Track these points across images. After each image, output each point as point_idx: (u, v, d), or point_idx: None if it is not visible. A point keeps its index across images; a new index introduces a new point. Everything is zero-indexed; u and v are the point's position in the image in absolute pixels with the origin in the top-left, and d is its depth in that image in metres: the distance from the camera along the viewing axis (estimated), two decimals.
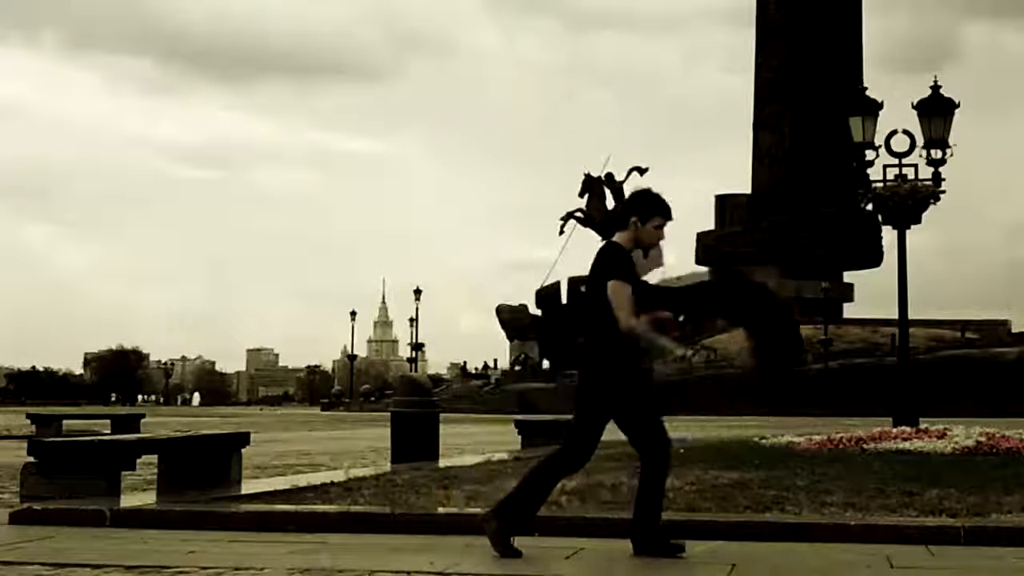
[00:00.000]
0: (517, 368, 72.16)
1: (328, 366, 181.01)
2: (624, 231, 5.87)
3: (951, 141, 16.70)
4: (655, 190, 5.97)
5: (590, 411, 5.75)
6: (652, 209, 5.87)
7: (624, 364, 5.71)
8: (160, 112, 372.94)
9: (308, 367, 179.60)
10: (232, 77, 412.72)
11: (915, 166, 16.90)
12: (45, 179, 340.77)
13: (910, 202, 16.80)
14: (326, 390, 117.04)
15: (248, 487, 8.88)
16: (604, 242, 5.95)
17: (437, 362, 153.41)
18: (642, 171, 71.58)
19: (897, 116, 17.30)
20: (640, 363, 5.80)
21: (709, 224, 76.41)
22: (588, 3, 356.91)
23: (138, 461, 8.56)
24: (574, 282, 71.85)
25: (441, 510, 7.33)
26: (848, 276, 73.75)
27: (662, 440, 5.77)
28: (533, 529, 6.12)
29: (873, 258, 65.22)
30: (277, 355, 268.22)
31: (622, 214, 5.92)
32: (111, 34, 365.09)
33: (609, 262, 5.76)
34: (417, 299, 76.76)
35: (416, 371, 79.72)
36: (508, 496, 5.92)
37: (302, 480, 9.60)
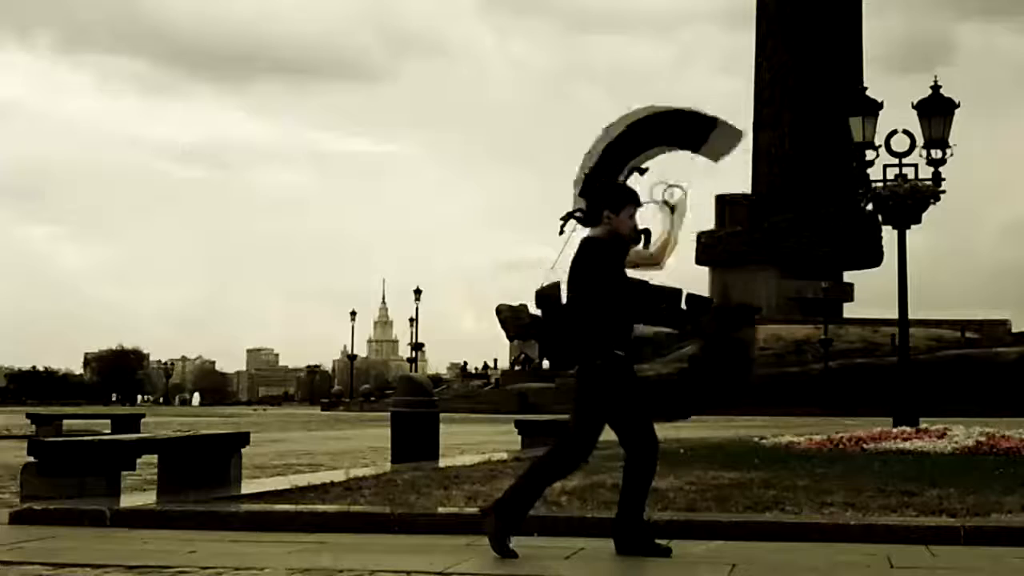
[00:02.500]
0: (517, 368, 72.16)
1: (328, 366, 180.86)
2: (597, 227, 5.82)
3: (951, 141, 16.70)
4: (619, 180, 5.96)
5: (589, 411, 5.73)
6: (623, 199, 5.84)
7: (616, 362, 5.68)
8: (157, 112, 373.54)
9: (308, 367, 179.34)
10: (228, 77, 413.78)
11: (915, 166, 16.91)
12: (43, 179, 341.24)
13: (910, 202, 16.80)
14: (326, 390, 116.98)
15: (248, 487, 8.87)
16: (582, 239, 5.86)
17: (437, 362, 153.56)
18: (642, 171, 71.49)
19: (897, 116, 17.31)
20: (631, 361, 5.77)
21: (709, 224, 76.42)
22: (583, 4, 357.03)
23: (138, 461, 8.57)
24: None
25: (441, 510, 7.32)
26: (848, 276, 73.75)
27: (650, 440, 5.75)
28: (532, 529, 6.11)
29: (873, 258, 65.27)
30: (277, 355, 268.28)
31: (592, 210, 5.86)
32: (106, 34, 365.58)
33: (591, 257, 5.72)
34: (417, 299, 76.78)
35: (416, 371, 79.70)
36: (507, 494, 5.89)
37: (302, 480, 9.59)
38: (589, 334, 5.70)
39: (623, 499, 5.78)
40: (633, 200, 5.88)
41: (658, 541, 5.80)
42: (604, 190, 5.93)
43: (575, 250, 5.81)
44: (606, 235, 5.79)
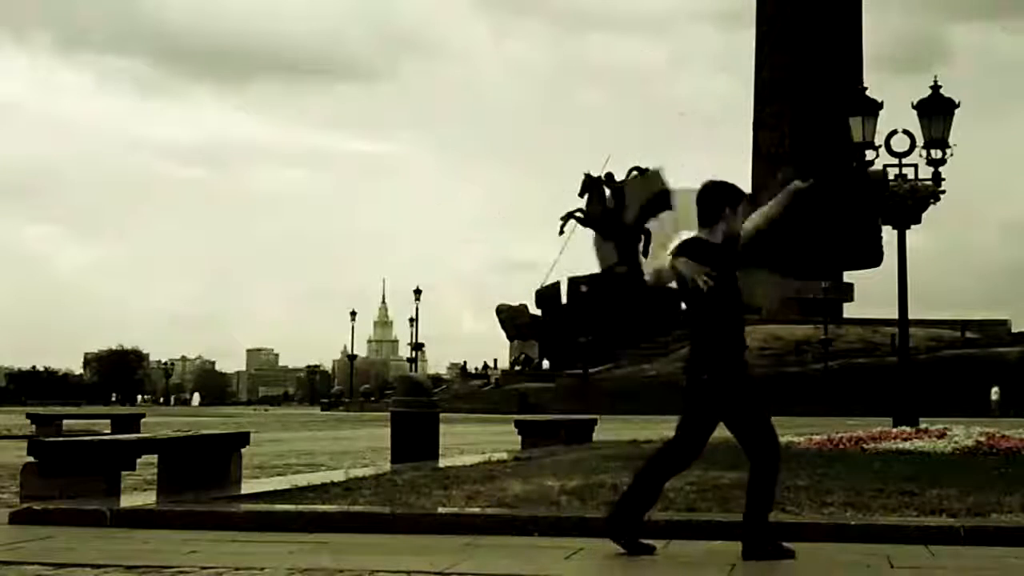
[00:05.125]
0: (517, 368, 72.15)
1: (328, 366, 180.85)
2: (715, 224, 5.83)
3: (951, 141, 16.69)
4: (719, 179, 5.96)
5: (696, 418, 5.79)
6: (740, 197, 5.91)
7: (733, 363, 5.73)
8: (156, 112, 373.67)
9: (308, 367, 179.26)
10: (225, 77, 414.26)
11: (915, 166, 16.90)
12: (44, 179, 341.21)
13: (910, 202, 16.79)
14: (326, 390, 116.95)
15: (248, 487, 8.88)
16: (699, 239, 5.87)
17: (437, 362, 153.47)
18: (642, 171, 71.54)
19: (897, 116, 17.30)
20: (745, 361, 5.81)
21: None
22: (581, 3, 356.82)
23: (138, 461, 8.57)
24: (574, 282, 71.95)
25: (441, 510, 7.32)
26: (848, 276, 73.76)
27: (771, 441, 5.79)
28: (532, 529, 6.09)
29: (873, 258, 65.24)
30: (277, 355, 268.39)
31: (710, 208, 5.85)
32: (104, 34, 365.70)
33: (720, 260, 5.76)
34: (417, 299, 76.76)
35: (416, 371, 79.63)
36: (620, 506, 5.88)
37: (302, 480, 9.60)
38: (720, 337, 5.74)
39: (748, 501, 5.81)
40: (746, 198, 5.96)
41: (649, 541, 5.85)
42: (722, 189, 5.93)
43: (693, 251, 5.77)
44: (723, 235, 5.82)
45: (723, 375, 5.72)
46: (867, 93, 17.37)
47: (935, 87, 16.72)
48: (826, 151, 61.92)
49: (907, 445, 12.82)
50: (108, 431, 20.89)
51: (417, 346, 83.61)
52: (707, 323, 5.77)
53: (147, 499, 8.19)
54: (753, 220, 5.97)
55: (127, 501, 7.87)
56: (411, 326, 78.87)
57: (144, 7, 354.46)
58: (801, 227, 69.14)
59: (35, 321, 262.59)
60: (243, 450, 9.45)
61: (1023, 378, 50.88)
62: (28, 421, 25.70)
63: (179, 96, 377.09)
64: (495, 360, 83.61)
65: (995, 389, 48.93)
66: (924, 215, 17.11)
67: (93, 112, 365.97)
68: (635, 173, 71.09)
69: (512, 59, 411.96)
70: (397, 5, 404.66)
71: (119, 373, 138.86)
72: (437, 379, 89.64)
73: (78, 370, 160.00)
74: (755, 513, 5.73)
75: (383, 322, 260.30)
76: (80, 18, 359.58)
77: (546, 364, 69.21)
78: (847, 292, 74.06)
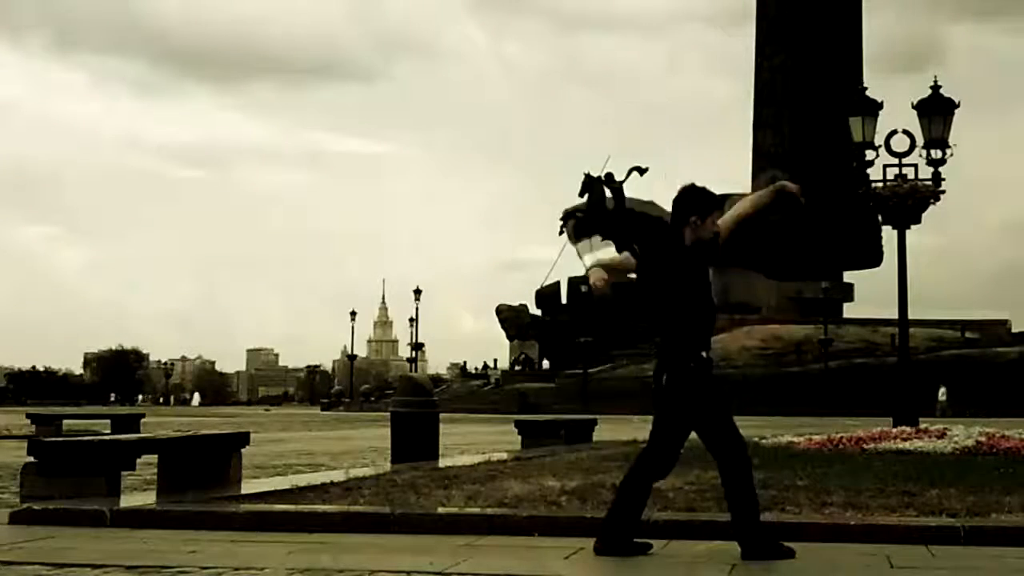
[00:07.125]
0: (517, 368, 72.19)
1: (328, 366, 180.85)
2: (683, 228, 5.85)
3: (951, 141, 16.69)
4: (698, 184, 5.97)
5: (665, 414, 5.78)
6: (711, 205, 5.89)
7: (693, 364, 5.73)
8: (155, 113, 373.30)
9: (308, 367, 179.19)
10: (222, 78, 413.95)
11: (915, 166, 16.90)
12: (42, 179, 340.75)
13: (910, 202, 16.79)
14: (326, 390, 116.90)
15: (248, 487, 8.88)
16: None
17: (437, 362, 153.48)
18: (642, 171, 71.37)
19: (897, 116, 17.30)
20: (708, 363, 5.80)
21: None
22: (577, 4, 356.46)
23: (138, 461, 8.57)
24: (574, 282, 72.00)
25: (441, 510, 7.32)
26: (848, 276, 73.75)
27: (736, 440, 5.76)
28: (532, 529, 6.09)
29: (873, 258, 65.24)
30: (277, 355, 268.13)
31: (678, 213, 5.87)
32: (101, 35, 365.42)
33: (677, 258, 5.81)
34: (417, 299, 76.75)
35: (416, 371, 79.59)
36: (608, 525, 5.87)
37: (302, 480, 9.60)
38: (677, 338, 5.76)
39: (730, 505, 5.77)
40: (719, 206, 5.95)
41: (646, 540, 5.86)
42: (693, 195, 5.92)
43: (654, 246, 5.84)
44: (689, 240, 5.85)
45: (682, 376, 5.72)
46: (867, 93, 17.38)
47: (935, 87, 16.72)
48: (826, 151, 62.00)
49: (907, 445, 12.83)
50: (108, 431, 20.87)
51: (417, 346, 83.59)
52: (668, 325, 5.78)
53: (147, 499, 8.19)
54: (724, 219, 5.97)
55: (127, 501, 7.87)
56: (411, 326, 78.89)
57: (141, 8, 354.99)
58: (801, 227, 69.38)
59: (35, 321, 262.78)
60: (243, 450, 9.45)
61: (1023, 378, 50.82)
62: (28, 421, 25.70)
63: (177, 96, 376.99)
64: (495, 360, 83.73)
65: (943, 390, 47.83)
66: (924, 215, 17.11)
67: (92, 112, 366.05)
68: (635, 173, 71.02)
69: (510, 59, 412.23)
70: (394, 6, 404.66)
71: (119, 373, 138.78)
72: (437, 379, 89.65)
73: (78, 370, 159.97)
74: (743, 516, 5.70)
75: (383, 322, 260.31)
76: (77, 19, 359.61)
77: (546, 364, 69.23)
78: (847, 292, 74.04)
